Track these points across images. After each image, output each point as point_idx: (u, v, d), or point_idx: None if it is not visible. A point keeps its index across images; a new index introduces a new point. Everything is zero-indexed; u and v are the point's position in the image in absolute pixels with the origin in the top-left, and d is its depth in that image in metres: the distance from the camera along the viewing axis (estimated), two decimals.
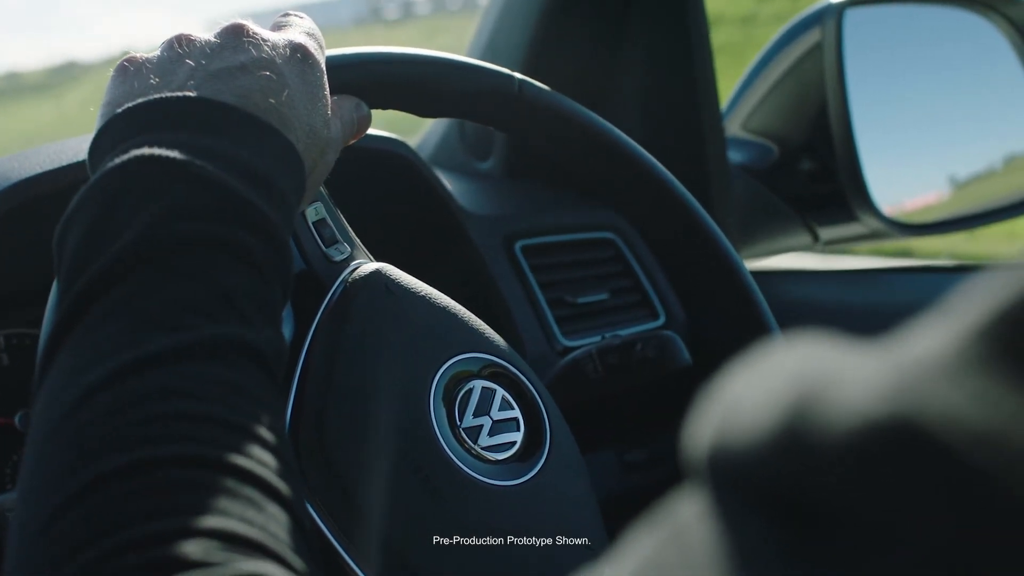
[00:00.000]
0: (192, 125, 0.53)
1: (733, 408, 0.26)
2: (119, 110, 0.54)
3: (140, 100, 0.54)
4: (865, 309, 1.37)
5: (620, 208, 0.87)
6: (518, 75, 0.75)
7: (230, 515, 0.40)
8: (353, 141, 0.67)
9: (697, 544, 0.25)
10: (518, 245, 1.09)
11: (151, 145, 0.51)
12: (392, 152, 1.04)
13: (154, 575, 0.37)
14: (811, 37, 1.38)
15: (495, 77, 0.74)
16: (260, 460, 0.43)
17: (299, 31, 0.62)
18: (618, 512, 0.74)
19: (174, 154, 0.50)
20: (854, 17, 1.36)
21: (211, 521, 0.39)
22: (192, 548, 0.38)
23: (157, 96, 0.54)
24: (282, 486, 0.43)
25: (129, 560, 0.38)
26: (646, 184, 0.81)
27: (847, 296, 1.44)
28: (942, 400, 0.22)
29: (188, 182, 0.50)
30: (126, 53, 0.59)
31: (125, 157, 0.50)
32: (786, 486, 0.24)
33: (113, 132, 0.54)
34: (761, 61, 1.45)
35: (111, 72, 0.59)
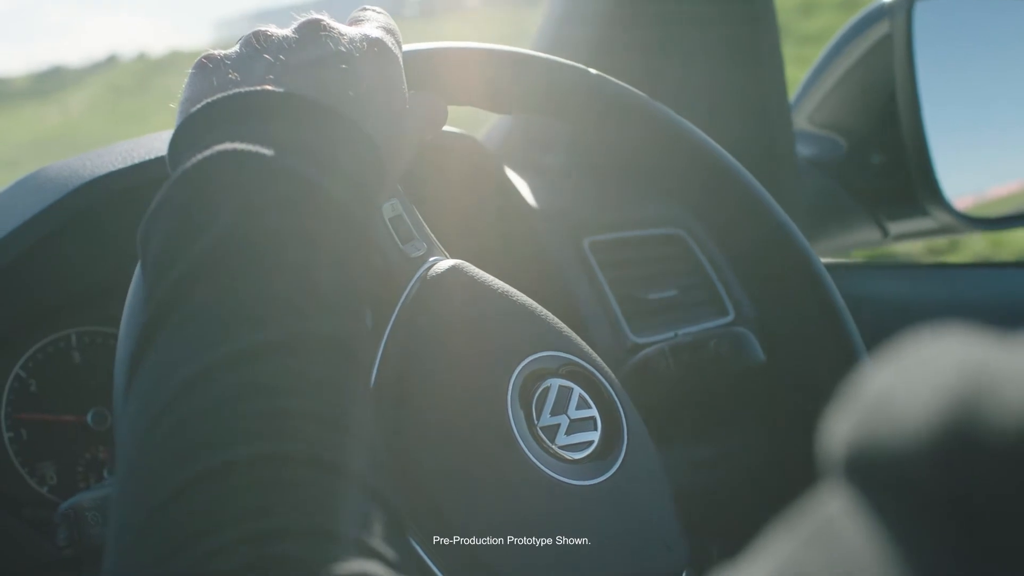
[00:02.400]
0: (272, 119, 0.53)
1: (882, 404, 0.25)
2: (198, 106, 0.54)
3: (219, 95, 0.54)
4: (938, 305, 1.35)
5: (692, 204, 0.86)
6: (593, 70, 0.74)
7: (331, 513, 0.40)
8: (430, 136, 0.67)
9: (846, 543, 0.24)
10: (586, 241, 1.08)
11: (232, 140, 0.51)
12: (462, 148, 1.03)
13: (263, 573, 0.37)
14: (880, 29, 1.36)
15: (571, 72, 0.74)
16: (355, 456, 0.43)
17: (376, 25, 0.61)
18: (686, 510, 0.73)
19: (255, 148, 0.50)
20: (924, 8, 1.33)
21: (314, 519, 0.39)
22: (299, 547, 0.38)
23: (236, 91, 0.54)
24: (377, 483, 0.43)
25: (239, 557, 0.37)
26: (720, 180, 0.80)
27: (919, 292, 1.42)
28: None
29: (270, 176, 0.50)
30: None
31: (207, 152, 0.50)
32: (953, 487, 0.23)
33: (193, 128, 0.53)
34: (829, 53, 1.43)
35: (190, 71, 0.59)
